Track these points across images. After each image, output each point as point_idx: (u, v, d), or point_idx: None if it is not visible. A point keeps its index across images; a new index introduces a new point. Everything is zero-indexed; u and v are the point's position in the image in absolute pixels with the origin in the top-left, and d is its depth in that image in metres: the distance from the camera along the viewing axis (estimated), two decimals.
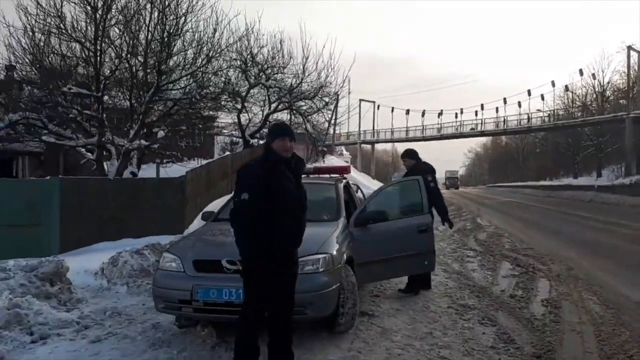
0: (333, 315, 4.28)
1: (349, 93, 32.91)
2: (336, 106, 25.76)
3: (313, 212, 5.11)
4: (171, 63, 12.74)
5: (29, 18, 11.18)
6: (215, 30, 13.09)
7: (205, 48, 12.92)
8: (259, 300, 3.34)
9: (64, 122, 12.81)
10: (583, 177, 47.92)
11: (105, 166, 12.92)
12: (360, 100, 57.73)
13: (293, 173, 3.41)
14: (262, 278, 3.27)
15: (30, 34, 11.60)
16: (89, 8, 11.14)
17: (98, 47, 11.32)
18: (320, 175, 6.18)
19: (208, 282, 4.09)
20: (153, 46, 12.12)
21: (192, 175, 10.71)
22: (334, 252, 4.31)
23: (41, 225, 9.61)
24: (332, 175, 6.11)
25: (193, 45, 12.90)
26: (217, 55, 13.34)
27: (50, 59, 12.25)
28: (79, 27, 11.45)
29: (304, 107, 19.28)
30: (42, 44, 11.69)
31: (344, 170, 6.19)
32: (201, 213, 6.26)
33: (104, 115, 12.02)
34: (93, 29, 11.31)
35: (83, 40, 11.49)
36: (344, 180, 5.95)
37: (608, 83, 46.52)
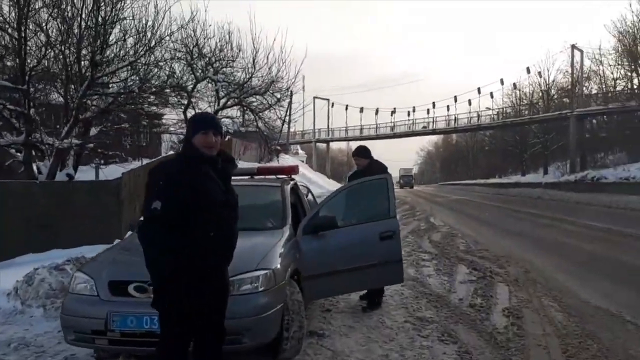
0: (276, 341, 3.70)
1: (304, 90, 32.21)
2: (290, 103, 25.23)
3: (254, 219, 4.55)
4: (108, 54, 11.73)
5: None
6: (155, 16, 12.16)
7: (144, 37, 11.99)
8: (179, 332, 2.72)
9: None
10: (530, 174, 49.44)
11: (36, 168, 11.80)
12: (315, 97, 57.24)
13: (220, 175, 2.81)
14: (181, 303, 2.66)
15: None
16: None
17: (22, 34, 10.22)
18: (265, 177, 5.57)
19: (126, 308, 3.43)
20: (86, 34, 11.11)
21: (130, 177, 9.84)
22: (277, 267, 3.73)
23: None
24: (278, 177, 5.51)
25: (131, 34, 11.96)
26: (157, 44, 12.42)
27: None
28: (1, 12, 10.33)
29: (255, 104, 18.57)
30: None
31: (291, 171, 5.58)
32: (130, 222, 5.53)
33: (32, 111, 10.91)
34: (16, 12, 10.21)
35: (5, 26, 10.37)
36: (292, 182, 5.36)
37: (553, 82, 47.99)
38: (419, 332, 4.67)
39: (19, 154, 12.50)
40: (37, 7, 10.47)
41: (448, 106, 56.05)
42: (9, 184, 9.59)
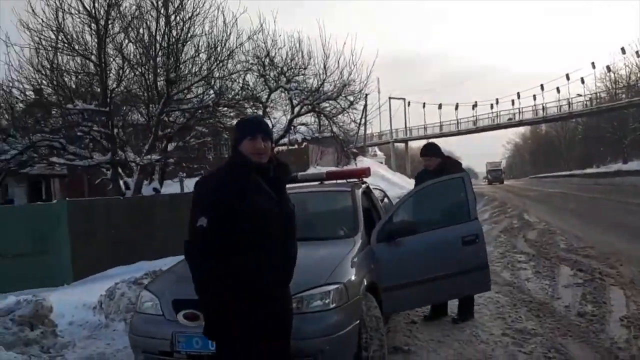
0: None
1: (379, 92, 31.70)
2: (365, 105, 24.80)
3: (323, 227, 4.19)
4: (182, 70, 12.03)
5: (31, 34, 10.71)
6: (224, 30, 12.31)
7: (214, 52, 12.17)
8: None
9: (76, 141, 12.33)
10: (633, 161, 45.07)
11: (124, 184, 12.36)
12: (390, 97, 56.33)
13: (272, 184, 2.47)
14: (235, 331, 2.34)
15: (36, 51, 11.14)
16: (90, 19, 10.56)
17: (102, 59, 10.72)
18: (336, 182, 5.20)
19: (191, 329, 3.19)
20: (161, 54, 11.45)
21: None
22: (350, 279, 3.34)
23: (49, 253, 8.99)
24: (349, 181, 5.11)
25: (203, 50, 12.18)
26: (227, 57, 12.56)
27: (57, 75, 11.76)
28: (83, 40, 10.91)
29: (328, 109, 18.33)
30: (46, 62, 11.23)
31: (362, 173, 5.14)
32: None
33: (115, 131, 11.42)
34: (96, 40, 10.74)
35: (88, 54, 10.94)
36: (364, 186, 4.93)
37: None
38: (520, 348, 4.06)
39: (108, 172, 13.19)
40: (114, 31, 10.91)
41: (534, 95, 52.93)
42: (97, 200, 10.05)
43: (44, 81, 11.96)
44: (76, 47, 10.84)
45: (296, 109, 17.98)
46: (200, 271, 2.31)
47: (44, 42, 10.98)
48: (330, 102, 18.09)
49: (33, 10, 10.53)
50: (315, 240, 3.82)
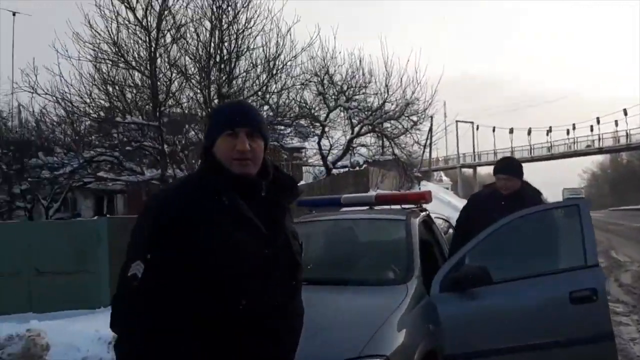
0: None
1: (445, 116, 30.12)
2: (431, 127, 23.58)
3: (364, 268, 3.17)
4: (234, 85, 11.50)
5: (82, 46, 10.55)
6: (277, 44, 11.69)
7: (268, 64, 11.55)
8: None
9: (131, 156, 12.10)
10: None
11: None
12: (457, 121, 54.21)
13: (264, 211, 1.52)
14: None
15: (94, 65, 11.00)
16: (141, 29, 10.28)
17: (154, 72, 10.38)
18: (389, 207, 4.17)
19: None
20: (213, 68, 10.99)
21: None
22: (400, 348, 2.31)
23: (88, 272, 8.52)
24: (404, 207, 4.06)
25: (255, 63, 11.61)
26: (280, 70, 11.89)
27: (115, 89, 11.62)
28: (134, 53, 10.64)
29: (390, 129, 17.32)
30: (103, 75, 11.09)
31: (421, 198, 4.06)
32: None
33: (165, 147, 10.99)
34: (147, 53, 10.42)
35: (139, 66, 10.64)
36: (423, 214, 3.87)
37: None
38: None
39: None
40: (165, 42, 10.56)
41: (616, 121, 48.95)
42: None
43: (102, 95, 11.88)
44: (128, 59, 10.57)
45: (356, 129, 17.13)
46: (130, 348, 1.38)
47: (99, 55, 10.81)
48: (392, 122, 17.12)
49: (89, 23, 10.41)
50: (351, 286, 2.83)
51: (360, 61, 16.89)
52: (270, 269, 1.46)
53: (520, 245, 3.32)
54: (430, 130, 24.33)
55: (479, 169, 63.16)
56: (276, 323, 1.46)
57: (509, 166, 3.85)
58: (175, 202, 1.45)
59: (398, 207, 4.14)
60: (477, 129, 58.67)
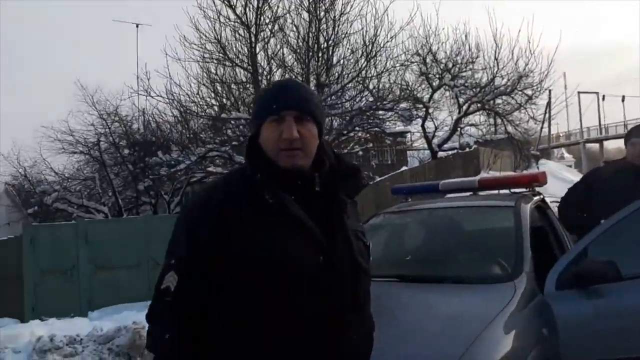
0: None
1: (565, 88, 27.37)
2: (549, 101, 21.72)
3: (464, 263, 2.83)
4: (332, 72, 11.41)
5: (189, 48, 11.11)
6: (374, 25, 11.36)
7: (365, 48, 11.28)
8: None
9: (236, 150, 12.59)
10: None
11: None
12: (579, 92, 49.36)
13: (320, 209, 1.31)
14: None
15: (199, 65, 11.56)
16: (241, 26, 10.57)
17: (254, 66, 10.64)
18: (493, 193, 3.75)
19: None
20: (312, 57, 10.99)
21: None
22: (503, 356, 1.99)
23: None
24: (513, 191, 3.61)
25: (353, 48, 11.40)
26: (376, 53, 11.54)
27: (224, 87, 12.14)
28: (235, 49, 10.99)
29: (501, 105, 16.16)
30: (204, 74, 11.62)
31: (534, 180, 3.55)
32: None
33: None
34: (248, 48, 10.69)
35: (241, 62, 10.97)
36: (536, 198, 3.40)
37: None
38: None
39: None
40: (265, 35, 10.76)
41: None
42: None
43: (210, 94, 12.48)
44: (231, 56, 10.94)
45: (463, 108, 16.23)
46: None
47: (205, 55, 11.33)
48: (504, 97, 15.95)
49: (196, 26, 10.92)
50: (448, 283, 2.53)
51: (466, 36, 15.95)
52: (327, 280, 1.25)
53: None
54: (549, 104, 22.42)
55: (605, 143, 57.06)
56: (333, 342, 1.24)
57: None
58: (210, 205, 1.27)
59: (507, 191, 3.71)
60: (604, 99, 53.01)
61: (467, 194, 3.85)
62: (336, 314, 1.25)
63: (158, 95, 11.62)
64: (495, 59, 15.24)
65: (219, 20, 10.79)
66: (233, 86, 12.31)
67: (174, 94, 11.48)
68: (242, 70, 11.61)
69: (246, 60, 10.93)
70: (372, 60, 11.53)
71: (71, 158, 15.31)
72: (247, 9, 10.44)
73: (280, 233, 1.23)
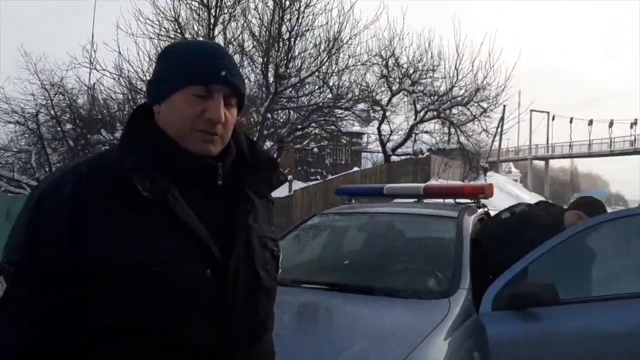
0: None
1: (519, 105, 28.15)
2: (502, 117, 22.28)
3: (400, 275, 2.65)
4: (292, 65, 11.13)
5: (143, 24, 10.53)
6: (338, 22, 11.19)
7: (328, 43, 11.08)
8: None
9: None
10: None
11: None
12: (532, 110, 51.18)
13: (222, 203, 1.05)
14: None
15: (156, 41, 10.99)
16: (201, 6, 10.12)
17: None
18: (438, 201, 3.62)
19: None
20: (272, 47, 10.68)
21: (303, 195, 8.79)
22: None
23: None
24: (458, 202, 3.49)
25: (315, 42, 11.15)
26: (338, 50, 11.37)
27: None
28: (193, 29, 10.51)
29: (457, 115, 16.41)
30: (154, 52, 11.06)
31: (479, 192, 3.45)
32: None
33: None
34: (206, 30, 10.25)
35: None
36: (480, 210, 3.29)
37: None
38: None
39: None
40: (225, 20, 10.36)
41: None
42: None
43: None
44: (187, 36, 10.45)
45: (420, 115, 16.36)
46: None
47: (161, 33, 10.77)
48: (460, 108, 16.23)
49: (154, 1, 10.37)
50: (382, 296, 2.34)
51: (429, 43, 16.14)
52: (214, 301, 0.97)
53: (591, 260, 2.64)
54: (502, 118, 22.99)
55: (551, 162, 59.65)
56: None
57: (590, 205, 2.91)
58: (62, 194, 0.94)
59: (451, 201, 3.59)
60: (553, 119, 55.21)
61: (412, 200, 3.71)
62: (225, 348, 0.98)
63: (104, 70, 10.96)
64: (456, 69, 15.45)
65: None
66: None
67: (122, 70, 10.85)
68: None
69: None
70: (333, 56, 11.32)
71: (4, 128, 14.28)
72: None
73: (152, 234, 0.94)
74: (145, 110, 1.08)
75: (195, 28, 10.48)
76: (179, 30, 10.59)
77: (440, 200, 3.73)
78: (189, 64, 1.03)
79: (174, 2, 10.37)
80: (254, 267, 1.05)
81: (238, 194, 1.08)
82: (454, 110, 16.46)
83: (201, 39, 10.51)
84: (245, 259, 1.03)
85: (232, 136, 1.10)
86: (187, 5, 10.33)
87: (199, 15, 10.27)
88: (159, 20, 10.48)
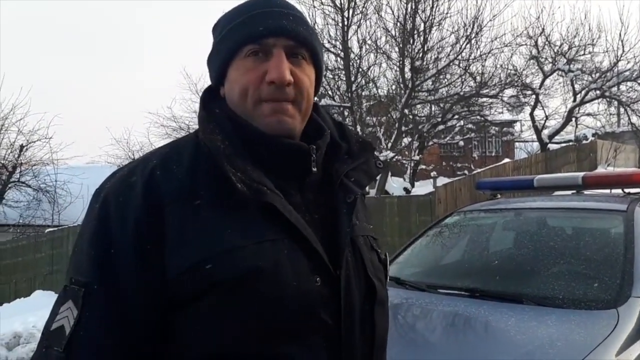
0: None
1: None
2: None
3: (554, 281, 2.30)
4: (429, 57, 10.76)
5: None
6: (477, 4, 10.53)
7: (465, 29, 10.47)
8: None
9: None
10: None
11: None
12: None
13: (319, 197, 0.85)
14: None
15: None
16: (335, 11, 10.28)
17: (346, 52, 10.34)
18: (602, 192, 3.10)
19: None
20: (407, 41, 10.42)
21: (446, 191, 8.39)
22: None
23: None
24: (626, 192, 2.95)
25: (455, 29, 10.63)
26: (477, 34, 10.64)
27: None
28: (328, 35, 10.72)
29: (625, 93, 14.43)
30: None
31: None
32: None
33: (359, 127, 10.92)
34: (340, 33, 10.39)
35: (332, 47, 10.70)
36: None
37: None
38: None
39: None
40: (358, 20, 10.40)
41: None
42: None
43: None
44: (325, 44, 10.70)
45: (579, 96, 14.67)
46: None
47: None
48: (629, 84, 14.20)
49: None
50: (532, 305, 2.04)
51: (585, 15, 14.48)
52: (326, 314, 0.78)
53: None
54: None
55: None
56: None
57: None
58: (135, 189, 0.77)
59: (618, 191, 3.06)
60: None
61: (569, 192, 3.24)
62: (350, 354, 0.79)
63: None
64: (621, 39, 13.66)
65: (313, 6, 10.61)
66: (328, 74, 12.13)
67: None
68: (332, 56, 11.33)
69: (338, 46, 10.64)
70: (473, 41, 10.66)
71: None
72: None
73: (252, 237, 0.75)
74: (213, 95, 0.90)
75: (332, 33, 10.66)
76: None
77: (606, 191, 3.21)
78: (236, 25, 0.85)
79: (309, 9, 10.69)
80: (367, 274, 0.86)
81: (338, 186, 0.87)
82: (622, 87, 14.52)
83: (338, 43, 10.70)
84: (354, 265, 0.84)
85: (314, 111, 0.91)
86: (322, 11, 10.56)
87: (333, 19, 10.44)
88: None
